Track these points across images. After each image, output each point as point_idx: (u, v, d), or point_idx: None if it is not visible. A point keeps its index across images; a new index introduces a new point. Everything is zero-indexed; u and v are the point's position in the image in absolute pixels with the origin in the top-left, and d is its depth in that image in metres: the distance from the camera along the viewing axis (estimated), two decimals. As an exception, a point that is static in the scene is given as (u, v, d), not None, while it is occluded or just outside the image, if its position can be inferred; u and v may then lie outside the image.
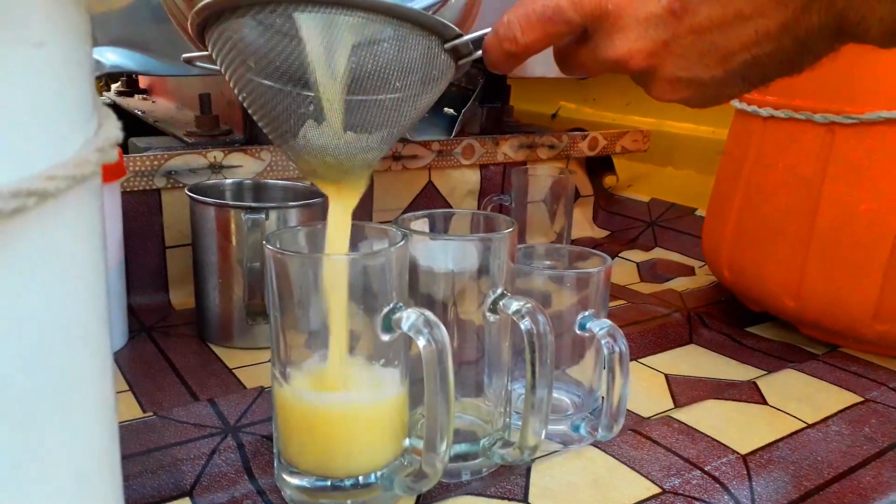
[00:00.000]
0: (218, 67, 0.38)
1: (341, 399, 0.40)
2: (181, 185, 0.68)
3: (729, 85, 0.36)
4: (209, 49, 0.37)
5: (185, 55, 0.40)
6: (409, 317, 0.38)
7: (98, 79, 0.84)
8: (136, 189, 0.67)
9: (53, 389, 0.19)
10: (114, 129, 0.21)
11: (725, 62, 0.35)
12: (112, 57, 0.66)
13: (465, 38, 0.37)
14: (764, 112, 0.62)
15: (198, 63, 0.40)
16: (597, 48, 0.36)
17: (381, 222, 0.78)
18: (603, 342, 0.45)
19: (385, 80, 0.36)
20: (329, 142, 0.37)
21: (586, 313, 0.47)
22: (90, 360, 0.21)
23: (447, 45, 0.37)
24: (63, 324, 0.20)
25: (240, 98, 0.38)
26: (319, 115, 0.36)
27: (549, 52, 1.00)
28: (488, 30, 0.38)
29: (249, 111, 0.38)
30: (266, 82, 0.36)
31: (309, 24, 0.34)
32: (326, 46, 0.34)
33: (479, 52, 0.39)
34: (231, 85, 0.38)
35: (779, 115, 0.61)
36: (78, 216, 0.20)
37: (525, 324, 0.40)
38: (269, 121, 0.38)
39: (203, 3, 0.34)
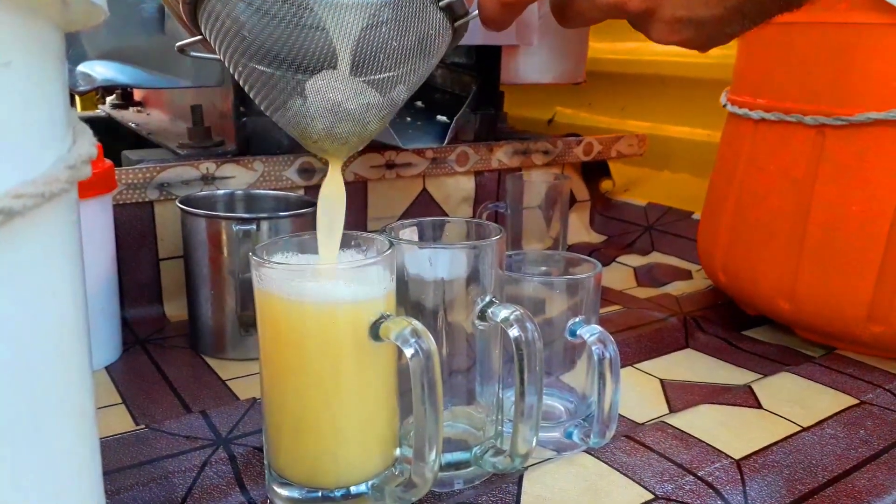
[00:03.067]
0: (212, 54, 0.37)
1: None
2: (174, 197, 0.68)
3: (730, 23, 0.36)
4: (203, 29, 0.36)
5: (178, 43, 0.39)
6: (397, 326, 0.37)
7: (93, 92, 0.84)
8: (128, 202, 0.67)
9: (28, 406, 0.19)
10: (87, 145, 0.21)
11: None
12: (103, 71, 0.66)
13: None
14: (755, 115, 0.62)
15: (191, 52, 0.40)
16: None
17: (374, 231, 0.78)
18: (593, 348, 0.45)
19: (381, 42, 0.35)
20: (331, 107, 0.36)
21: (577, 319, 0.47)
22: (67, 375, 0.21)
23: (441, 3, 0.36)
24: (37, 340, 0.20)
25: (235, 75, 0.37)
26: (321, 81, 0.36)
27: (542, 59, 1.00)
28: None
29: (246, 87, 0.38)
30: (260, 59, 0.35)
31: None
32: (323, 8, 0.34)
33: (475, 13, 0.38)
34: (226, 63, 0.37)
35: (769, 118, 0.61)
36: (50, 233, 0.20)
37: (513, 331, 0.40)
38: (267, 93, 0.37)
39: None
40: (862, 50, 0.55)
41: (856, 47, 0.56)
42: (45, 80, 0.20)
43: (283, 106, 0.37)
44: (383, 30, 0.35)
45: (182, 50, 0.39)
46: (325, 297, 0.38)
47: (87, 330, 0.23)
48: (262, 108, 0.38)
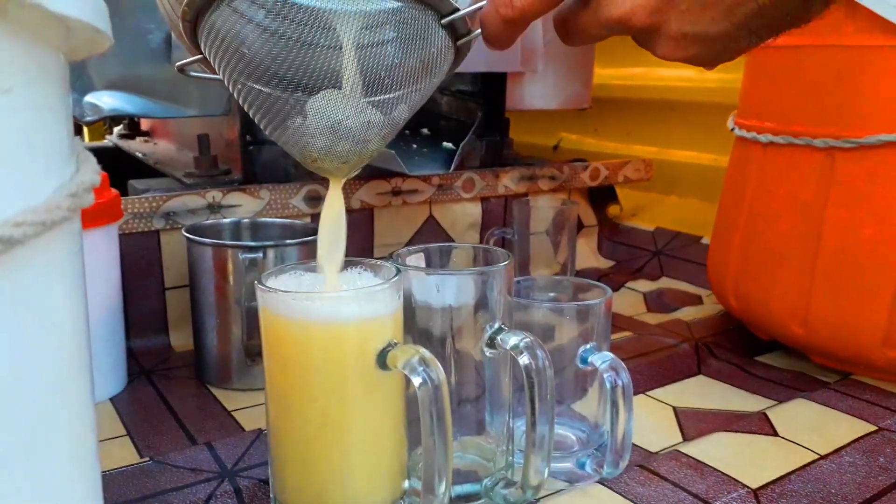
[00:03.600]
0: (212, 74, 0.37)
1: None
2: (180, 226, 0.68)
3: (736, 39, 0.35)
4: (202, 48, 0.36)
5: (178, 63, 0.39)
6: (405, 355, 0.37)
7: (100, 122, 0.84)
8: (134, 231, 0.67)
9: (26, 438, 0.19)
10: (90, 173, 0.21)
11: (731, 14, 0.34)
12: (110, 101, 0.67)
13: (462, 11, 0.36)
14: (763, 138, 0.62)
15: (191, 72, 0.39)
16: (598, 8, 0.35)
17: (380, 258, 0.78)
18: (605, 376, 0.44)
19: (383, 60, 0.35)
20: (331, 126, 0.36)
21: (588, 346, 0.46)
22: (67, 407, 0.21)
23: (444, 21, 0.36)
24: (36, 371, 0.19)
25: (235, 94, 0.37)
26: (321, 100, 0.35)
27: (547, 86, 1.00)
28: (484, 1, 0.37)
29: (245, 106, 0.37)
30: (259, 77, 0.35)
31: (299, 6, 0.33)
32: (322, 25, 0.34)
33: (478, 31, 0.38)
34: (226, 81, 0.37)
35: (778, 142, 0.60)
36: (51, 262, 0.19)
37: (523, 359, 0.39)
38: (267, 111, 0.36)
39: None
40: (870, 72, 0.55)
41: (863, 70, 0.55)
42: (48, 107, 0.19)
43: (283, 124, 0.36)
44: (385, 48, 0.35)
45: (182, 70, 0.39)
46: (331, 317, 0.37)
47: (89, 361, 0.23)
48: (261, 126, 0.38)
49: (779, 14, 0.34)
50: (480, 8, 0.37)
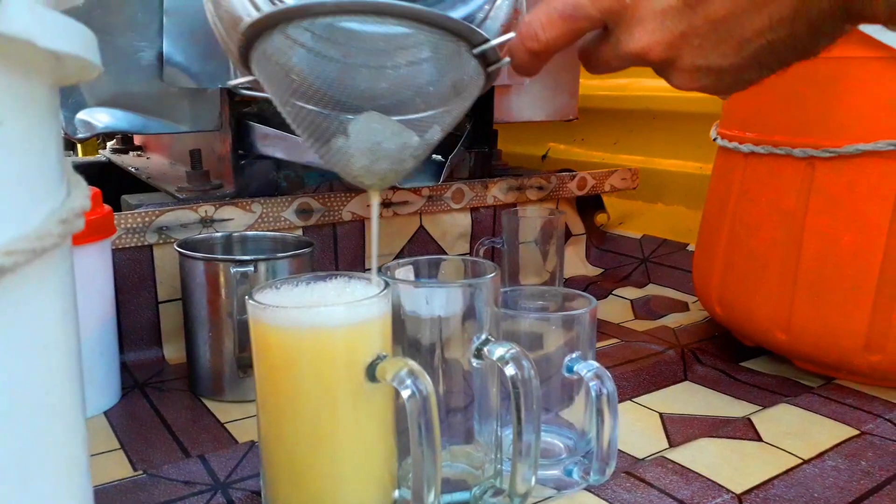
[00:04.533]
0: (262, 93, 0.40)
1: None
2: (173, 240, 0.69)
3: (747, 70, 0.37)
4: (254, 71, 0.39)
5: (230, 82, 0.43)
6: (394, 367, 0.38)
7: (93, 137, 0.85)
8: (127, 246, 0.68)
9: (16, 459, 0.19)
10: (81, 198, 0.22)
11: (742, 49, 0.36)
12: (102, 118, 0.67)
13: (492, 42, 0.39)
14: (745, 148, 0.63)
15: (241, 90, 0.43)
16: (618, 43, 0.38)
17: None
18: (590, 385, 0.45)
19: (419, 86, 0.38)
20: (371, 146, 0.39)
21: (573, 355, 0.47)
22: (58, 429, 0.21)
23: (475, 51, 0.39)
24: (27, 394, 0.20)
25: (283, 114, 0.40)
26: (362, 122, 0.38)
27: (534, 98, 1.01)
28: (513, 34, 0.39)
29: (293, 126, 0.40)
30: (306, 100, 0.38)
31: (347, 33, 0.36)
32: (364, 55, 0.37)
33: (507, 60, 0.40)
34: (275, 102, 0.40)
35: (759, 151, 0.61)
36: (42, 287, 0.20)
37: (509, 370, 0.40)
38: (313, 131, 0.40)
39: (245, 22, 0.37)
40: (848, 83, 0.56)
41: (842, 80, 0.56)
42: (38, 136, 0.20)
43: (328, 144, 0.40)
44: (421, 75, 0.38)
45: (234, 88, 0.42)
46: (320, 330, 0.38)
47: (80, 380, 0.23)
48: (307, 144, 0.41)
49: (787, 49, 0.36)
50: (509, 40, 0.39)
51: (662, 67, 0.38)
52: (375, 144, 0.39)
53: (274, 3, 0.47)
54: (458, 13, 0.46)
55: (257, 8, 0.47)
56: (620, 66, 0.39)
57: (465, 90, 0.40)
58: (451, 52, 0.38)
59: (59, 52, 0.19)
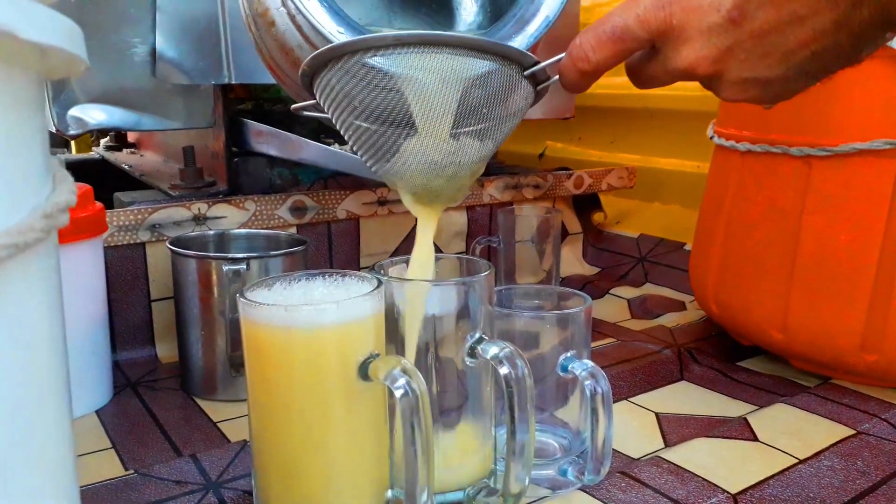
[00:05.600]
0: (323, 114, 0.43)
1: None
2: (165, 238, 0.68)
3: (793, 80, 0.38)
4: (317, 96, 0.42)
5: (293, 105, 0.45)
6: (387, 366, 0.37)
7: (87, 134, 0.85)
8: (120, 243, 0.68)
9: (0, 457, 0.19)
10: (66, 193, 0.21)
11: (787, 60, 0.37)
12: (95, 114, 0.67)
13: (542, 64, 0.41)
14: (742, 147, 0.63)
15: (304, 112, 0.45)
16: (666, 60, 0.39)
17: (366, 267, 0.78)
18: (585, 384, 0.44)
19: (476, 108, 0.41)
20: (429, 165, 0.41)
21: (568, 354, 0.46)
22: (42, 426, 0.21)
23: (526, 73, 0.41)
24: (11, 392, 0.19)
25: (345, 136, 0.42)
26: (420, 143, 0.41)
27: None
28: (562, 55, 0.41)
29: (354, 147, 0.43)
30: (368, 123, 0.41)
31: (406, 63, 0.39)
32: (423, 83, 0.39)
33: (556, 77, 0.42)
34: (337, 124, 0.42)
35: (756, 150, 0.61)
36: (26, 282, 0.20)
37: (503, 369, 0.40)
38: (374, 152, 0.42)
39: (312, 54, 0.40)
40: (844, 82, 0.55)
41: (839, 79, 0.55)
42: (22, 128, 0.20)
43: (387, 163, 0.42)
44: (476, 97, 0.40)
45: (297, 111, 0.45)
46: (313, 328, 0.38)
47: (66, 378, 0.23)
48: (366, 164, 0.43)
49: (831, 58, 0.37)
50: (558, 61, 0.41)
51: (710, 81, 0.39)
52: (433, 163, 0.41)
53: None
54: (515, 42, 0.49)
55: (288, 8, 0.50)
56: (668, 82, 0.41)
57: (516, 108, 0.42)
58: (504, 76, 0.41)
59: (42, 44, 0.19)
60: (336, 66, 0.40)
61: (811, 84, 0.39)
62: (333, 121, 0.42)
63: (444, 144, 0.41)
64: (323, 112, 0.43)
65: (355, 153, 0.43)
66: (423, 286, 0.43)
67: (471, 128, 0.41)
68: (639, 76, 0.42)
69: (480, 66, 0.40)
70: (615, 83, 1.14)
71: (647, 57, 0.40)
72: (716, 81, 0.39)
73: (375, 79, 0.39)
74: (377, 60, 0.39)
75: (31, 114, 0.21)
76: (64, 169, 0.24)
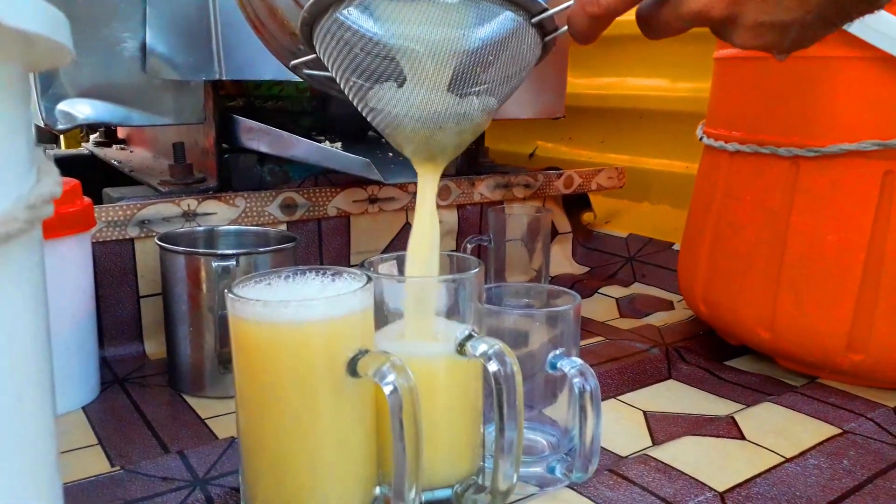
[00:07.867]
0: (322, 72, 0.41)
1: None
2: (154, 233, 0.68)
3: (811, 26, 0.37)
4: (316, 48, 0.40)
5: (293, 62, 0.43)
6: (376, 362, 0.37)
7: (77, 129, 0.84)
8: (108, 239, 0.67)
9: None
10: (51, 184, 0.21)
11: (805, 3, 0.35)
12: (84, 109, 0.66)
13: (551, 11, 0.40)
14: (730, 147, 0.63)
15: (304, 71, 0.43)
16: (678, 3, 0.37)
17: (356, 265, 0.78)
18: (574, 381, 0.45)
19: (482, 57, 0.39)
20: (431, 115, 0.40)
21: (557, 352, 0.46)
22: (24, 422, 0.21)
23: (534, 20, 0.40)
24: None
25: (346, 89, 0.40)
26: (424, 89, 0.39)
27: (521, 96, 1.01)
28: (571, 1, 0.39)
29: (354, 101, 0.41)
30: (371, 71, 0.39)
31: (410, 7, 0.37)
32: (427, 28, 0.38)
33: (565, 28, 0.40)
34: (337, 77, 0.41)
35: (744, 150, 0.61)
36: (8, 274, 0.20)
37: (492, 366, 0.40)
38: (374, 105, 0.40)
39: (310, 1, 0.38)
40: (832, 82, 0.56)
41: (826, 80, 0.57)
42: (6, 118, 0.20)
43: (389, 116, 0.40)
44: (481, 47, 0.38)
45: (296, 67, 0.43)
46: (300, 324, 0.37)
47: (50, 373, 0.23)
48: (368, 118, 0.41)
49: (851, 1, 0.35)
50: (568, 7, 0.39)
51: (724, 25, 0.37)
52: (435, 114, 0.39)
53: None
54: None
55: None
56: (681, 29, 0.39)
57: (522, 60, 0.41)
58: (510, 23, 0.39)
59: (27, 32, 0.19)
60: (334, 13, 0.38)
61: (829, 31, 0.37)
62: (333, 73, 0.41)
63: (447, 96, 0.39)
64: (322, 69, 0.41)
65: (356, 105, 0.41)
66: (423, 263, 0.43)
67: (475, 77, 0.39)
68: (649, 23, 0.40)
69: (487, 11, 0.38)
70: (605, 84, 1.15)
71: (658, 2, 0.39)
72: (729, 26, 0.37)
73: (377, 24, 0.38)
74: (379, 4, 0.38)
75: (15, 104, 0.20)
76: (50, 161, 0.24)
